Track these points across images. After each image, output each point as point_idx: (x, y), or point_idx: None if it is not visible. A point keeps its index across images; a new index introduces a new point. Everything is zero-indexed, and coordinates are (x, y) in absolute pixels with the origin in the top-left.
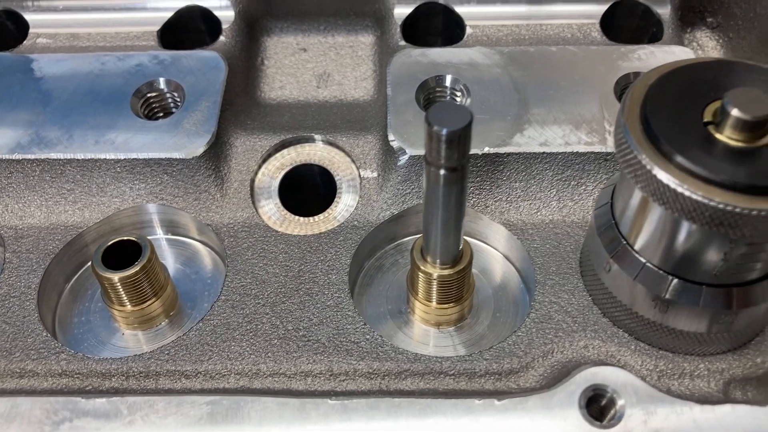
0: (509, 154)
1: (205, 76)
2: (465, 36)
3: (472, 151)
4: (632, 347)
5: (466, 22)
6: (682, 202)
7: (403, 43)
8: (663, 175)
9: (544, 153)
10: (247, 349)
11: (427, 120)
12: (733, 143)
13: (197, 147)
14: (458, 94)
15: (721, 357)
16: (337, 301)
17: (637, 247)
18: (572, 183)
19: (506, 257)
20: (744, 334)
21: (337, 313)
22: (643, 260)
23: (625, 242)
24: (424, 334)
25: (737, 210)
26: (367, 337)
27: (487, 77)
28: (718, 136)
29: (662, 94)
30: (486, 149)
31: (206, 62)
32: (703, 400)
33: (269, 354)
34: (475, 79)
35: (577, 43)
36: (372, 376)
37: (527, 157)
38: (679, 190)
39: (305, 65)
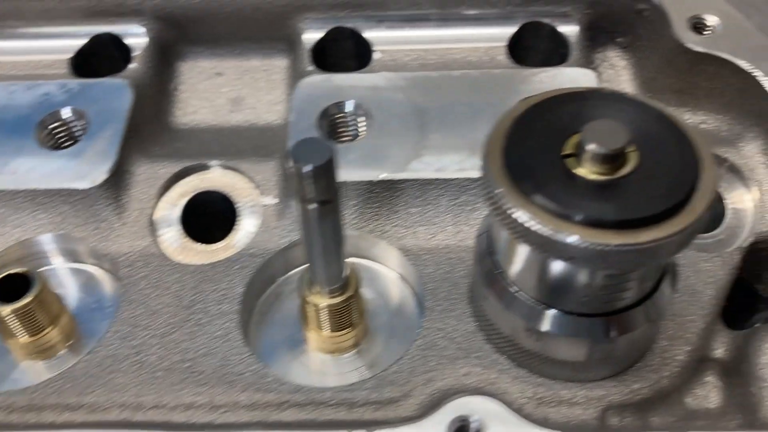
0: (406, 180)
1: (110, 104)
2: (372, 61)
3: (369, 177)
4: (512, 374)
5: (374, 47)
6: (533, 238)
7: (311, 68)
8: (515, 212)
9: (438, 179)
10: (132, 381)
11: (290, 157)
12: (592, 176)
13: (97, 176)
14: (360, 120)
15: (600, 384)
16: (225, 331)
17: (509, 277)
18: (467, 208)
19: (405, 281)
20: (623, 361)
21: (224, 344)
22: (515, 290)
23: (498, 272)
24: (321, 362)
25: (584, 245)
26: (252, 368)
27: (389, 103)
28: (576, 170)
29: (527, 127)
30: (382, 176)
31: (113, 90)
32: (579, 428)
33: (153, 386)
34: (377, 105)
35: (483, 66)
36: (253, 408)
37: (423, 183)
38: (528, 225)
39: (220, 90)
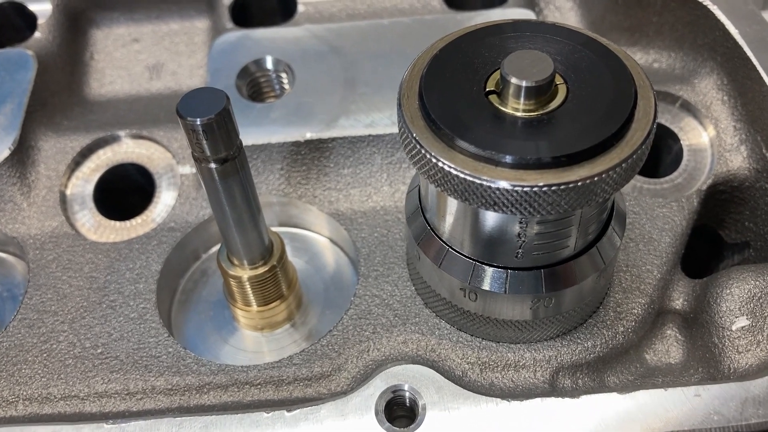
0: (334, 139)
1: (11, 76)
2: (296, 14)
3: (294, 138)
4: (453, 339)
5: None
6: (456, 186)
7: (230, 26)
8: (433, 158)
9: (370, 135)
10: (39, 371)
11: (178, 111)
12: (518, 114)
13: None
14: (283, 76)
15: (548, 344)
16: (141, 312)
17: (440, 233)
18: (404, 166)
19: (340, 248)
20: (571, 318)
21: (140, 326)
22: (446, 247)
23: (429, 228)
24: (254, 341)
25: (509, 189)
26: (169, 350)
27: (313, 57)
28: (501, 107)
29: (444, 66)
30: (308, 135)
31: (13, 61)
32: (527, 393)
33: (62, 376)
34: (299, 60)
35: (415, 14)
36: (171, 393)
37: (354, 141)
38: (448, 171)
39: (137, 57)
